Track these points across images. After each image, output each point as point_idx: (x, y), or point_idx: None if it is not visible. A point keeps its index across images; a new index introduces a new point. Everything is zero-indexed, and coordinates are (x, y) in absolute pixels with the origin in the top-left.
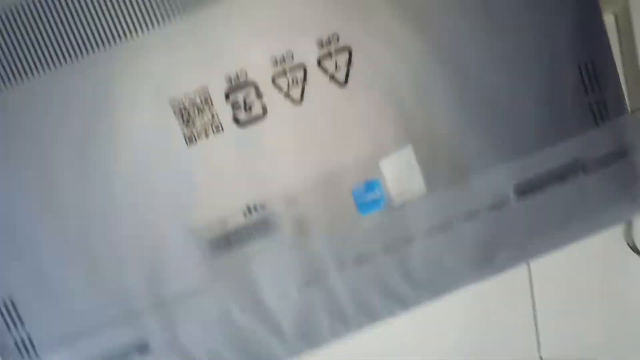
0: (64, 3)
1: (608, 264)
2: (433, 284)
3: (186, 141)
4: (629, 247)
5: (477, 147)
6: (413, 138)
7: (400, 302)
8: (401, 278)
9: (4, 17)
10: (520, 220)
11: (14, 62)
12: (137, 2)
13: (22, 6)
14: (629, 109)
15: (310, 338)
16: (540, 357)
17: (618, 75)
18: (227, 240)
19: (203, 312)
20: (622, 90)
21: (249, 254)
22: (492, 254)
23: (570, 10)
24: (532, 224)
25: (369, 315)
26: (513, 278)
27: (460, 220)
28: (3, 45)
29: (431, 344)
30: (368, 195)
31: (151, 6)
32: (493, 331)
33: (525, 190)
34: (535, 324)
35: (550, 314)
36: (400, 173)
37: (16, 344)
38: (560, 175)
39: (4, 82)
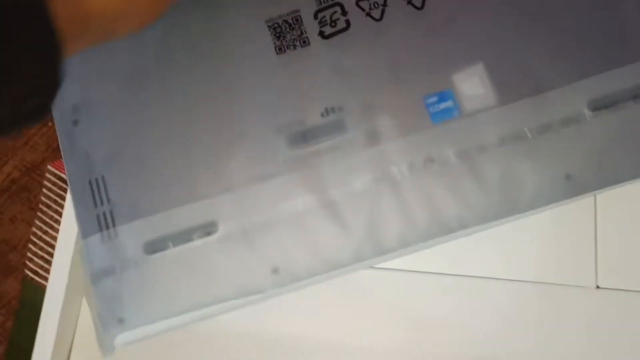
0: None
1: None
2: (509, 198)
3: (276, 51)
4: None
5: (548, 65)
6: (485, 56)
7: (474, 214)
8: (475, 186)
9: None
10: (597, 137)
11: None
12: None
13: None
14: None
15: (379, 242)
16: (597, 286)
17: None
18: (303, 137)
19: (273, 197)
20: None
21: (322, 150)
22: (569, 172)
23: None
24: (609, 143)
25: (440, 224)
26: (578, 206)
27: (534, 132)
28: None
29: (493, 263)
30: (440, 104)
31: None
32: (553, 257)
33: (599, 106)
34: (595, 254)
35: (611, 244)
36: (473, 86)
37: (98, 217)
38: (634, 94)
39: None
